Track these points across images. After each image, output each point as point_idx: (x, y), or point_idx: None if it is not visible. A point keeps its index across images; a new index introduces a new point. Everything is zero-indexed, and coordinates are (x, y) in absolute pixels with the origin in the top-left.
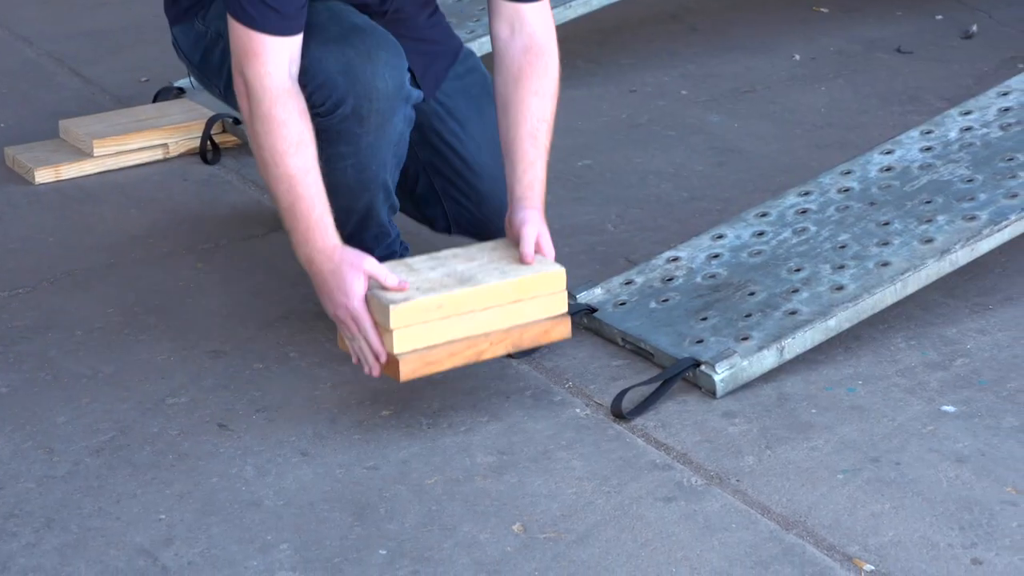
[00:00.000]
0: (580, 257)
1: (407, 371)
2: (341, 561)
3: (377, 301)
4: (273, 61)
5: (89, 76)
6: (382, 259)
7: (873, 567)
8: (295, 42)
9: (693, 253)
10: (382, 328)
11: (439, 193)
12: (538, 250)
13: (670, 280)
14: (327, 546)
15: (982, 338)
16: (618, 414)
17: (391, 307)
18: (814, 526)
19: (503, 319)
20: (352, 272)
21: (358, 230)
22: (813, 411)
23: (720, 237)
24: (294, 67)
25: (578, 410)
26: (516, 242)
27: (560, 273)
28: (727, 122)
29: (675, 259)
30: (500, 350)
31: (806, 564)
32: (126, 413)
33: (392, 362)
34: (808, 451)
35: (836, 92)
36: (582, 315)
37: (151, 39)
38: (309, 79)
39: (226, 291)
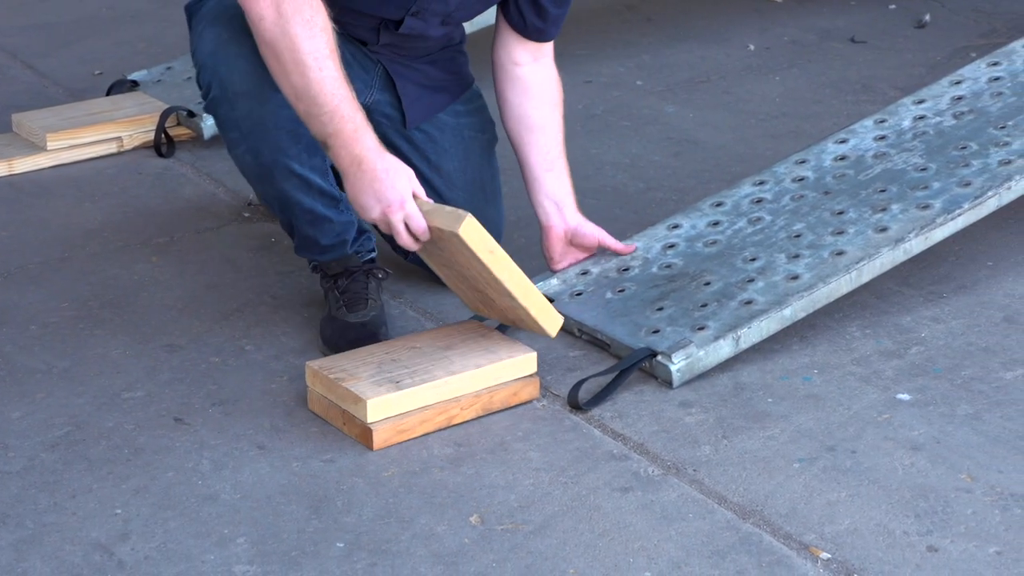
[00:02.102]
0: (536, 248)
1: (380, 440)
2: (299, 554)
3: (442, 208)
4: None
5: (42, 69)
6: (329, 247)
7: (829, 555)
8: None
9: (649, 243)
10: (358, 396)
11: None
12: (604, 243)
13: (626, 270)
14: (284, 539)
15: (936, 326)
16: (575, 405)
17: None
18: (771, 515)
19: (474, 383)
20: (405, 175)
21: (287, 216)
22: (769, 400)
23: (675, 227)
24: None
25: (535, 401)
26: (586, 246)
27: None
28: (682, 112)
29: None
30: (471, 414)
31: (763, 553)
32: (81, 408)
33: (365, 431)
34: (764, 440)
35: (790, 82)
36: None
37: (104, 32)
38: (195, 61)
39: (181, 285)
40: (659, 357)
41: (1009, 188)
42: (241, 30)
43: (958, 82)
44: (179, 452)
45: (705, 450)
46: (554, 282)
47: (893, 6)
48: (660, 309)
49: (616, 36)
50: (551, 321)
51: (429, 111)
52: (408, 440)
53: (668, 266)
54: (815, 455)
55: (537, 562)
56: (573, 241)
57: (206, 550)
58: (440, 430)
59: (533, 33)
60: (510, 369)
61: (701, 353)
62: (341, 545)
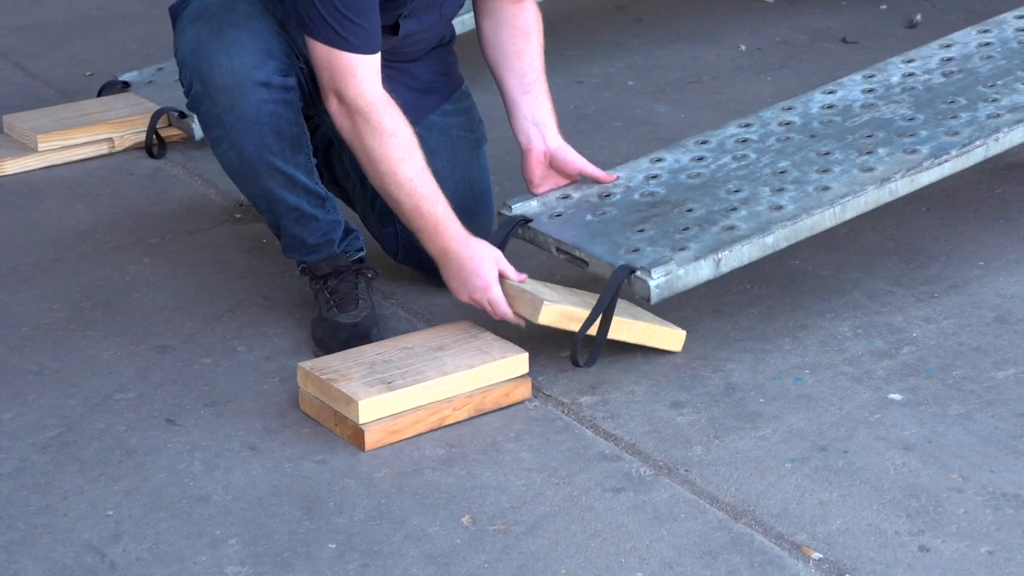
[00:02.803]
0: (527, 247)
1: (372, 441)
2: (290, 555)
3: (523, 294)
4: (370, 77)
5: (33, 70)
6: (316, 246)
7: (821, 555)
8: (378, 61)
9: (631, 173)
10: (350, 397)
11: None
12: (585, 171)
13: (607, 196)
14: (276, 540)
15: (928, 326)
16: (577, 364)
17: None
18: (762, 515)
19: (466, 384)
20: (489, 261)
21: (273, 215)
22: (761, 400)
23: (659, 160)
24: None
25: (527, 402)
26: (567, 172)
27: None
28: (674, 113)
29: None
30: (463, 415)
31: (755, 553)
32: (73, 409)
33: (356, 432)
34: (756, 440)
35: (782, 82)
36: (517, 226)
37: (95, 33)
38: (177, 60)
39: (173, 285)
40: (638, 273)
41: (997, 140)
42: (222, 26)
43: (948, 45)
44: (171, 453)
45: (697, 450)
46: (534, 203)
47: (884, 6)
48: (641, 231)
49: (607, 37)
50: (673, 341)
51: (418, 114)
52: (400, 441)
53: (651, 194)
54: (807, 455)
55: (529, 563)
56: (553, 165)
57: (198, 551)
58: (432, 431)
59: None
60: (502, 370)
61: (681, 271)
62: (333, 546)
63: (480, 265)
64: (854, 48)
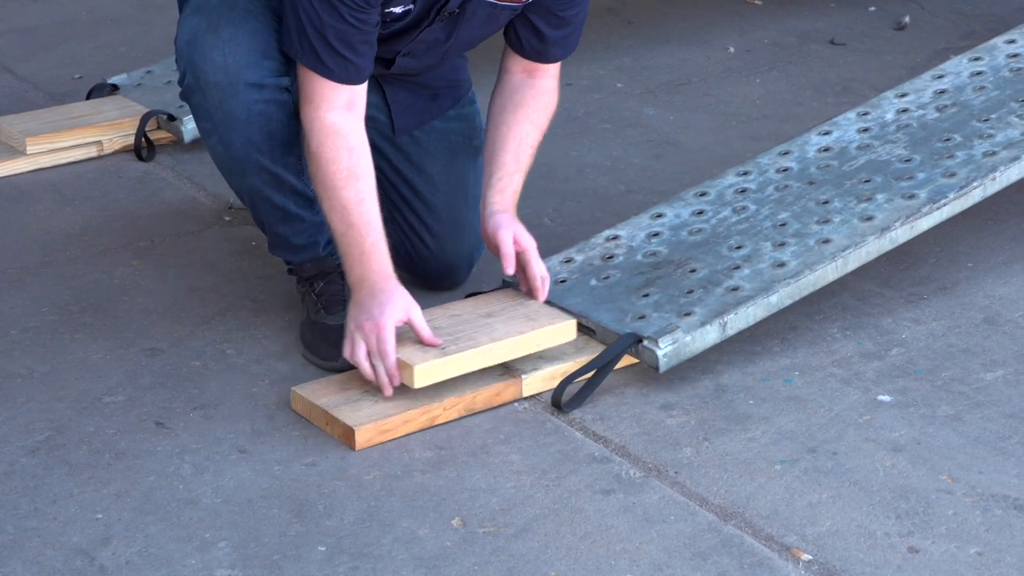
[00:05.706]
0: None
1: (362, 440)
2: (280, 558)
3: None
4: (337, 104)
5: (22, 73)
6: (301, 247)
7: (811, 557)
8: (358, 90)
9: (633, 232)
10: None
11: (385, 217)
12: (519, 247)
13: (610, 258)
14: (266, 543)
15: (917, 328)
16: (557, 405)
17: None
18: (752, 517)
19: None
20: (400, 302)
21: (257, 212)
22: (751, 402)
23: (659, 216)
24: (356, 109)
25: (516, 404)
26: (495, 248)
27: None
28: (663, 115)
29: (615, 238)
30: (453, 414)
31: (744, 555)
32: (62, 412)
33: (347, 432)
34: (746, 442)
35: (771, 84)
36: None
37: (84, 36)
38: (175, 47)
39: (162, 288)
40: (645, 342)
41: (994, 179)
42: (220, 22)
43: (940, 76)
44: (160, 456)
45: (687, 452)
46: None
47: (872, 8)
48: (646, 296)
49: (597, 39)
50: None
51: (421, 119)
52: (390, 441)
53: (653, 254)
54: (796, 457)
55: (519, 565)
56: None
57: (187, 554)
58: (422, 430)
59: (532, 54)
60: (551, 336)
61: (688, 338)
62: (323, 549)
63: (390, 299)
64: (843, 50)
